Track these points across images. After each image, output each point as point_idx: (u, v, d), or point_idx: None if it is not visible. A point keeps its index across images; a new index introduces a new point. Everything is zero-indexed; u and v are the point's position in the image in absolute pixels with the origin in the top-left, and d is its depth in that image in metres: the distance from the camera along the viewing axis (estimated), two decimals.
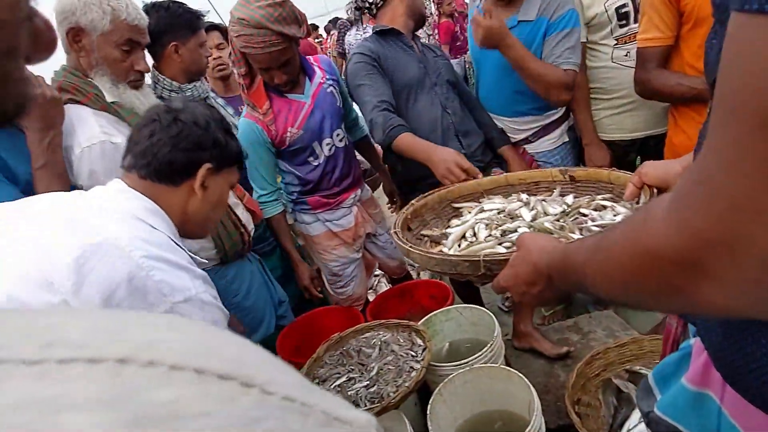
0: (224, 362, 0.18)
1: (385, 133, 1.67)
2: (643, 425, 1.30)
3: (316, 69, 1.97)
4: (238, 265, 1.65)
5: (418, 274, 2.96)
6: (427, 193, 1.13)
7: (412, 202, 1.10)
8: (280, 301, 1.84)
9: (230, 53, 1.85)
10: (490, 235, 0.93)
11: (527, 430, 1.26)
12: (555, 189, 1.04)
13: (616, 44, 1.81)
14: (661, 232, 0.37)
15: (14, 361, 0.16)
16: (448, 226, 1.03)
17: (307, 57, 2.04)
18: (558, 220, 0.92)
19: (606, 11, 1.79)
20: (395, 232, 0.97)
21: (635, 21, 1.76)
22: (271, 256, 2.27)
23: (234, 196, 1.66)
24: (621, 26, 1.80)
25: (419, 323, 1.87)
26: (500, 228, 0.94)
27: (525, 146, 1.96)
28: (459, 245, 0.95)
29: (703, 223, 0.33)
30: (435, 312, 1.96)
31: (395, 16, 1.87)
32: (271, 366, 0.20)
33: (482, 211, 1.06)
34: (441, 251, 0.89)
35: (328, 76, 1.98)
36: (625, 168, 1.95)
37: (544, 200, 1.00)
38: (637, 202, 0.85)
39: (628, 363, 1.59)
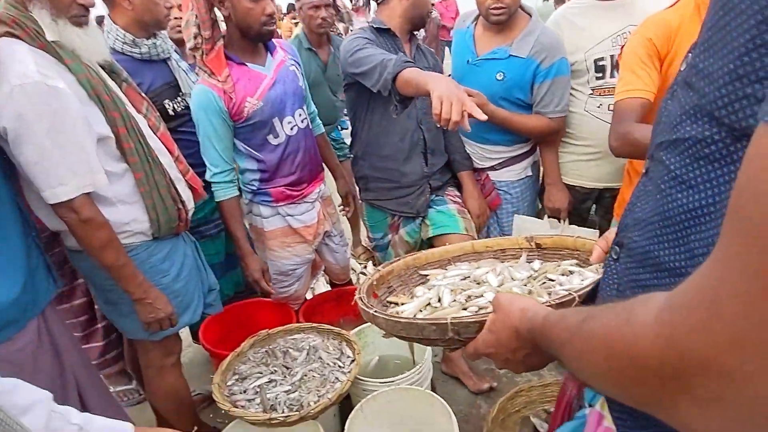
0: None
1: (396, 65, 1.56)
2: None
3: (278, 48, 1.89)
4: (172, 243, 1.54)
5: (358, 280, 2.92)
6: (393, 260, 1.11)
7: (378, 268, 1.08)
8: (210, 289, 1.72)
9: (195, 15, 1.69)
10: (454, 300, 0.90)
11: None
12: (522, 256, 1.04)
13: (591, 94, 1.86)
14: (647, 338, 0.35)
15: None
16: (414, 294, 1.00)
17: None
18: (525, 285, 0.91)
19: (585, 60, 1.84)
20: (360, 298, 0.93)
21: (611, 76, 1.82)
22: (215, 240, 2.15)
23: (177, 170, 1.55)
24: (597, 78, 1.85)
25: (352, 332, 1.84)
26: (465, 293, 0.92)
27: (489, 173, 1.98)
28: (421, 311, 0.92)
29: (700, 345, 0.31)
30: (368, 323, 1.93)
31: (392, 16, 1.82)
32: None
33: (446, 277, 1.04)
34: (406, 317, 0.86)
35: (290, 57, 1.91)
36: (580, 214, 2.02)
37: (511, 266, 0.99)
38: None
39: (548, 403, 1.62)
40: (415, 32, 1.93)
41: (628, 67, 1.49)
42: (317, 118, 2.11)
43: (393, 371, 1.82)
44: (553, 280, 0.90)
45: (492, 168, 1.96)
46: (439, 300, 0.92)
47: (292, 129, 1.85)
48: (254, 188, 1.89)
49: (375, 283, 1.02)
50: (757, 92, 0.36)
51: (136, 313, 1.44)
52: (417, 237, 2.00)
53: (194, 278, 1.61)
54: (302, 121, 1.88)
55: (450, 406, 1.44)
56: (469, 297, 0.89)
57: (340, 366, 1.61)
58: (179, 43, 2.09)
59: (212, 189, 1.82)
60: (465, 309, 0.86)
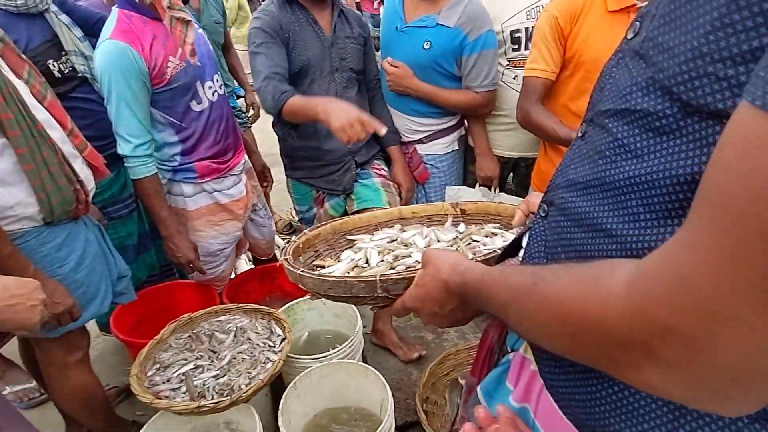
0: None
1: (275, 99, 1.55)
2: None
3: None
4: (70, 228, 1.36)
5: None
6: (320, 224, 1.08)
7: (305, 231, 1.05)
8: (120, 276, 1.56)
9: None
10: (382, 261, 0.89)
11: (379, 429, 1.27)
12: (447, 221, 1.06)
13: (507, 65, 1.91)
14: (615, 308, 0.36)
15: None
16: (340, 258, 0.98)
17: None
18: (451, 246, 0.92)
19: (502, 32, 1.88)
20: (286, 259, 0.89)
21: (526, 48, 1.89)
22: (126, 221, 1.96)
23: (71, 146, 1.36)
24: (514, 50, 1.90)
25: (280, 310, 1.79)
26: (393, 253, 0.92)
27: (416, 146, 1.99)
28: (349, 273, 0.90)
29: (670, 315, 0.32)
30: (298, 300, 1.90)
31: None
32: None
33: (373, 240, 1.03)
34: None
35: (196, 24, 1.73)
36: (499, 184, 2.10)
37: (437, 230, 1.01)
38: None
39: None
40: None
41: (535, 43, 1.62)
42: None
43: (324, 346, 1.81)
44: (477, 241, 0.93)
45: (419, 141, 1.96)
46: (367, 262, 0.92)
47: (213, 94, 1.71)
48: (175, 164, 1.72)
49: (301, 246, 1.00)
50: (719, 71, 0.36)
51: None
52: (342, 211, 1.98)
53: (99, 266, 1.46)
54: (220, 87, 1.75)
55: (382, 375, 1.46)
56: (397, 257, 0.90)
57: (270, 345, 1.57)
58: None
59: (127, 164, 1.62)
60: (393, 268, 0.86)
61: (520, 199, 1.95)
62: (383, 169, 1.97)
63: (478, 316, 0.68)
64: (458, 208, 1.09)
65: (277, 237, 2.67)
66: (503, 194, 2.00)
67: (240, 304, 1.77)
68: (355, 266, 0.91)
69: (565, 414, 0.56)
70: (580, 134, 0.58)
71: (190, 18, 1.58)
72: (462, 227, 1.01)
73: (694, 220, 0.33)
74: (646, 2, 0.50)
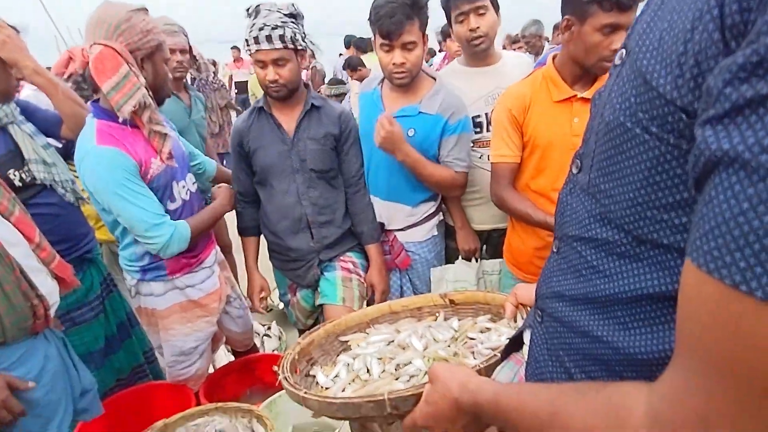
0: None
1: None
2: None
3: None
4: (27, 345, 1.29)
5: (262, 343, 2.76)
6: (312, 330, 1.08)
7: (298, 340, 1.04)
8: (84, 391, 1.46)
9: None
10: (384, 371, 0.88)
11: None
12: (438, 313, 1.07)
13: (472, 147, 2.03)
14: None
15: None
16: (336, 362, 0.97)
17: None
18: (449, 346, 0.93)
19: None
20: (285, 378, 0.87)
21: (488, 130, 2.02)
22: (93, 323, 1.87)
23: (37, 260, 1.32)
24: (476, 132, 2.03)
25: (262, 405, 1.71)
26: (394, 362, 0.91)
27: (396, 233, 2.02)
28: (350, 384, 0.88)
29: None
30: (279, 393, 1.81)
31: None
32: None
33: (370, 343, 1.03)
34: (336, 395, 0.82)
35: (172, 132, 1.76)
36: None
37: (430, 326, 1.01)
38: (515, 321, 0.91)
39: None
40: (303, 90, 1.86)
41: (496, 132, 1.75)
42: (207, 170, 2.02)
43: None
44: (473, 339, 0.93)
45: (400, 229, 2.00)
46: (368, 371, 0.90)
47: (186, 193, 1.73)
48: (144, 264, 1.68)
49: (297, 357, 0.97)
50: (656, 216, 0.44)
51: None
52: (311, 302, 1.99)
53: (59, 384, 1.36)
54: (193, 185, 1.78)
55: None
56: (398, 366, 0.88)
57: None
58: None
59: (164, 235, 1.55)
60: (397, 379, 0.84)
61: (500, 260, 2.00)
62: (351, 262, 1.95)
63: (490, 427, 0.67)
64: (447, 298, 1.11)
65: (255, 323, 2.60)
66: (485, 262, 2.08)
67: (218, 404, 1.68)
68: (356, 377, 0.89)
69: None
70: (555, 249, 0.64)
71: (167, 132, 1.62)
72: (455, 323, 1.02)
73: (683, 359, 0.37)
74: (586, 92, 0.58)
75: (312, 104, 1.84)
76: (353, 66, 5.66)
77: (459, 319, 1.03)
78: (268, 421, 1.55)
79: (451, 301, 1.09)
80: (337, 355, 0.99)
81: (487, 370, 0.76)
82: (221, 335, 2.08)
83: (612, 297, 0.50)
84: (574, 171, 0.60)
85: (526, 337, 0.71)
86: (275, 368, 0.91)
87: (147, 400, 1.95)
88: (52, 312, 1.34)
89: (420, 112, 1.86)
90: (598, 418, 0.43)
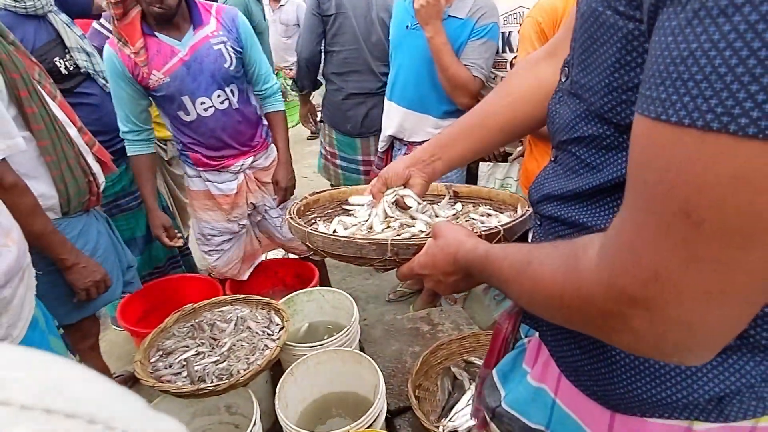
0: (70, 401, 0.19)
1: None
2: (468, 408, 1.45)
3: (211, 20, 1.78)
4: (84, 220, 1.45)
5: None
6: (320, 190, 1.12)
7: (306, 195, 1.08)
8: (128, 266, 1.66)
9: None
10: (388, 227, 0.92)
11: (370, 410, 1.33)
12: (443, 198, 1.10)
13: (492, 67, 1.97)
14: (593, 282, 0.43)
15: None
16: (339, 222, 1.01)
17: (204, 3, 1.82)
18: (451, 221, 0.97)
19: None
20: (291, 218, 0.92)
21: (503, 51, 1.95)
22: (136, 213, 2.05)
23: (82, 142, 1.45)
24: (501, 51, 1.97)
25: (281, 301, 1.86)
26: (398, 221, 0.94)
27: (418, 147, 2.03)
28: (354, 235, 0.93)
29: (630, 285, 0.40)
30: (298, 292, 1.96)
31: None
32: (113, 399, 0.22)
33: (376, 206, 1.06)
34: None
35: (222, 32, 1.78)
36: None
37: (434, 205, 1.04)
38: (516, 212, 0.95)
39: (466, 354, 1.75)
40: None
41: (522, 47, 1.70)
42: (275, 95, 2.04)
43: (323, 336, 1.87)
44: (475, 220, 0.98)
45: (422, 142, 2.02)
46: (370, 228, 0.93)
47: (206, 110, 1.81)
48: (179, 148, 1.91)
49: (302, 208, 1.02)
50: (630, 98, 0.47)
51: (71, 283, 1.36)
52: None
53: (111, 256, 1.54)
54: (222, 102, 1.83)
55: (378, 364, 1.52)
56: (402, 225, 0.91)
57: (269, 333, 1.64)
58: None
59: (125, 145, 1.81)
60: (399, 235, 0.89)
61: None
62: None
63: (476, 286, 0.74)
64: (452, 189, 1.12)
65: None
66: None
67: (242, 296, 1.84)
68: (358, 231, 0.94)
69: (577, 386, 0.63)
70: (553, 158, 0.68)
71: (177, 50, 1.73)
72: (459, 206, 1.06)
73: (627, 206, 0.41)
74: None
75: None
76: None
77: (463, 206, 1.07)
78: (285, 313, 1.69)
79: (456, 193, 1.11)
80: (337, 216, 1.03)
81: (488, 238, 0.80)
82: (258, 253, 2.25)
83: (600, 187, 0.54)
84: (563, 79, 0.62)
85: (530, 237, 0.76)
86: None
87: (180, 288, 2.15)
88: (100, 190, 1.48)
89: (449, 16, 1.82)
90: (560, 261, 0.48)
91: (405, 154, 2.07)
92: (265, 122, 2.05)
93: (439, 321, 2.05)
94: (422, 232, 0.90)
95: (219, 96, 1.81)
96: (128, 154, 1.83)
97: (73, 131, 1.41)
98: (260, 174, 2.05)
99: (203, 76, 1.75)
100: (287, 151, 2.06)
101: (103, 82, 1.84)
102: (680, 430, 0.55)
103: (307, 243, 0.86)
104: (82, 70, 1.77)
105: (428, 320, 2.07)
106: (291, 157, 2.08)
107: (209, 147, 1.87)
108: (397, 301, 2.76)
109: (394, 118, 2.06)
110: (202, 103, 1.79)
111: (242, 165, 1.97)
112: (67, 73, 1.75)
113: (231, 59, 1.81)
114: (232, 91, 1.84)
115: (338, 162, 2.48)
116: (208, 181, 1.92)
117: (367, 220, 0.97)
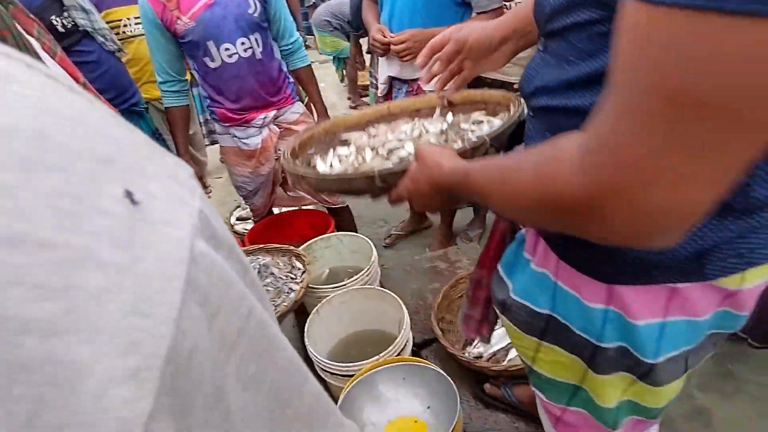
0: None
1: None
2: (501, 330, 1.49)
3: None
4: None
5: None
6: (313, 126, 1.11)
7: (299, 133, 1.08)
8: None
9: None
10: (377, 155, 0.93)
11: (397, 339, 1.37)
12: (435, 112, 1.09)
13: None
14: (573, 182, 0.43)
15: None
16: (334, 153, 1.03)
17: None
18: (441, 135, 0.97)
19: None
20: (285, 161, 0.93)
21: None
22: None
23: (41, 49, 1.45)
24: None
25: (300, 248, 1.89)
26: (386, 147, 0.96)
27: (421, 82, 1.99)
28: (346, 170, 0.95)
29: (612, 179, 0.39)
30: (315, 239, 1.99)
31: None
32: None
33: (370, 136, 1.07)
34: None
35: None
36: None
37: (426, 122, 1.04)
38: (509, 111, 0.95)
39: None
40: None
41: None
42: (296, 49, 2.04)
43: (343, 280, 1.91)
44: (465, 129, 0.98)
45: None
46: (363, 159, 0.95)
47: (230, 57, 1.81)
48: (208, 104, 1.96)
49: (297, 148, 1.04)
50: None
51: None
52: None
53: None
54: (245, 50, 1.82)
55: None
56: (390, 150, 0.93)
57: (292, 278, 1.67)
58: None
59: (160, 96, 1.91)
60: (388, 160, 0.90)
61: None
62: None
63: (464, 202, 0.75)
64: (444, 99, 1.10)
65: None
66: None
67: (261, 245, 1.87)
68: (351, 163, 0.96)
69: (572, 266, 0.66)
70: (541, 48, 0.66)
71: None
72: (450, 117, 1.05)
73: (614, 92, 0.40)
74: None
75: None
76: None
77: (454, 116, 1.06)
78: (306, 257, 1.72)
79: (450, 102, 1.10)
80: (334, 149, 1.05)
81: (473, 152, 0.80)
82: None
83: (594, 72, 0.54)
84: None
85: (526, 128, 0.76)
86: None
87: None
88: None
89: None
90: (544, 157, 0.48)
91: (407, 92, 2.03)
92: (290, 79, 2.05)
93: (457, 258, 2.08)
94: (410, 154, 0.91)
95: (243, 43, 1.81)
96: (164, 105, 1.93)
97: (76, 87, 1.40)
98: (286, 132, 2.07)
99: (227, 20, 1.75)
100: (322, 103, 2.13)
101: (102, 39, 1.81)
102: (666, 291, 0.59)
103: (302, 184, 0.87)
104: (80, 28, 1.75)
105: (445, 258, 2.10)
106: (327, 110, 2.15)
107: (231, 98, 1.89)
108: (393, 245, 2.84)
109: (392, 58, 2.01)
110: (227, 49, 1.79)
111: (265, 118, 1.97)
112: (64, 31, 1.72)
113: (255, 6, 1.82)
114: (256, 40, 1.84)
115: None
116: (236, 137, 1.99)
117: (356, 152, 0.99)
